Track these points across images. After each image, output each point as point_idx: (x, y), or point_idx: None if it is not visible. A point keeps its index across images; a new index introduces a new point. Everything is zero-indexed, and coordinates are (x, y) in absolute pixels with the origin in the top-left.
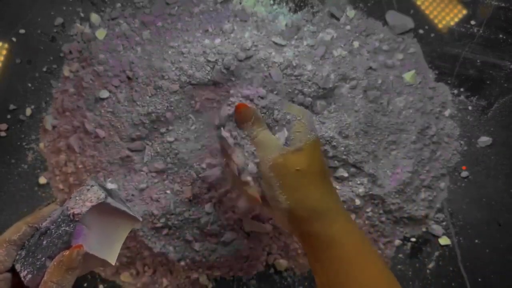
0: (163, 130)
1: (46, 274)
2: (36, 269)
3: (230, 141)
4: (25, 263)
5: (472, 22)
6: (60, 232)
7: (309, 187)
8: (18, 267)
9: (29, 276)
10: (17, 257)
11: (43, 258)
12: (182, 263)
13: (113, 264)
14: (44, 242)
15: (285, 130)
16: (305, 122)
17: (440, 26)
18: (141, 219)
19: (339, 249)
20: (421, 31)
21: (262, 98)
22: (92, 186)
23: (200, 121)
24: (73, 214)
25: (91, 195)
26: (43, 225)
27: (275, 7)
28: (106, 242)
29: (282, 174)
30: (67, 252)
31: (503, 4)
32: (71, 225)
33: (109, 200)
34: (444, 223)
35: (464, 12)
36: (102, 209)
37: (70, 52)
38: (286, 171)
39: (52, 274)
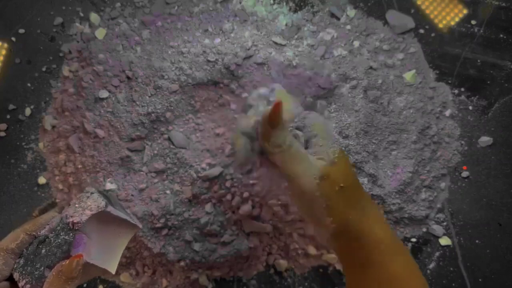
0: (163, 130)
1: (45, 284)
2: (35, 279)
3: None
4: (24, 272)
5: (473, 22)
6: (59, 241)
7: (353, 206)
8: (16, 276)
9: (28, 286)
10: (15, 266)
11: (42, 268)
12: (182, 263)
13: (113, 272)
14: (43, 251)
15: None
16: (325, 132)
17: (440, 26)
18: (141, 226)
19: (386, 267)
20: (421, 31)
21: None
22: (92, 193)
23: (200, 121)
24: (73, 223)
25: (91, 203)
26: (42, 233)
27: (275, 6)
28: (106, 251)
29: (328, 192)
30: (66, 262)
31: (503, 4)
32: (71, 234)
33: (110, 208)
34: (444, 223)
35: (465, 12)
36: (102, 217)
37: (70, 52)
38: (331, 190)
39: (51, 284)
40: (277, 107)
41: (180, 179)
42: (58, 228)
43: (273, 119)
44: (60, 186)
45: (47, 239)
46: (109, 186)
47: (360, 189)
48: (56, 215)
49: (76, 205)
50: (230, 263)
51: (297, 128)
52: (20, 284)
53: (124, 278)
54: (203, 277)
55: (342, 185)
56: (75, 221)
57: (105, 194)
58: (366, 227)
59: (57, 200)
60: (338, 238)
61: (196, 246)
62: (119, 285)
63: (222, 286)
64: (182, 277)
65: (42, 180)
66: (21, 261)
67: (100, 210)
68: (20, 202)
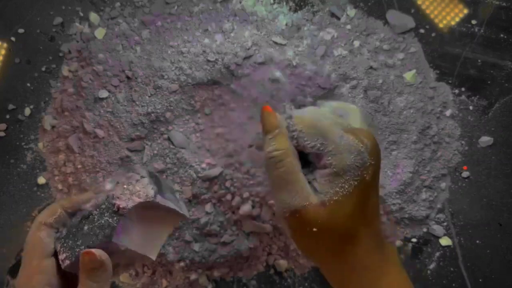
0: (162, 130)
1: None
2: (75, 256)
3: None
4: (65, 244)
5: (473, 22)
6: (103, 222)
7: (325, 254)
8: (57, 246)
9: (67, 262)
10: (58, 235)
11: (83, 246)
12: (182, 263)
13: (154, 259)
14: (86, 228)
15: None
16: (342, 164)
17: (441, 25)
18: (188, 216)
19: None
20: (422, 31)
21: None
22: (142, 177)
23: (200, 121)
24: (118, 207)
25: (140, 189)
26: (87, 207)
27: (275, 6)
28: (149, 238)
29: (295, 229)
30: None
31: (504, 4)
32: (115, 218)
33: (158, 198)
34: (445, 224)
35: (465, 11)
36: (149, 205)
37: (69, 52)
38: (301, 228)
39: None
40: (265, 109)
41: (180, 179)
42: (103, 206)
43: (263, 124)
44: (60, 186)
45: (90, 216)
46: (109, 186)
47: (346, 243)
48: (94, 196)
49: (124, 186)
50: (230, 263)
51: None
52: (60, 257)
53: (123, 278)
54: (203, 277)
55: (315, 229)
56: (121, 205)
57: (156, 177)
58: (345, 273)
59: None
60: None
61: (196, 246)
62: (119, 285)
63: (222, 286)
64: (182, 277)
65: (41, 180)
66: (64, 232)
67: (147, 200)
68: (19, 202)
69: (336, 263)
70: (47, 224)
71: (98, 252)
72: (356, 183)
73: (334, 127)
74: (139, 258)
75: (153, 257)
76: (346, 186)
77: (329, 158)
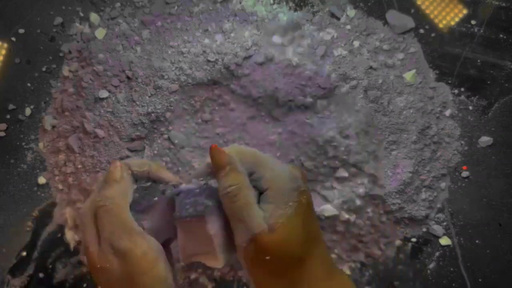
0: (163, 130)
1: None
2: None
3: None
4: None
5: (473, 22)
6: (198, 199)
7: (278, 281)
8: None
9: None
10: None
11: (177, 213)
12: (182, 263)
13: (220, 266)
14: (180, 197)
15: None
16: (279, 189)
17: (440, 25)
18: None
19: None
20: (421, 31)
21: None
22: None
23: (200, 121)
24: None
25: None
26: (169, 181)
27: (275, 6)
28: (228, 242)
29: (252, 259)
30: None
31: (503, 4)
32: (214, 201)
33: None
34: (444, 224)
35: (465, 11)
36: None
37: (70, 52)
38: (257, 257)
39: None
40: (212, 150)
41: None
42: (204, 187)
43: (213, 164)
44: (60, 186)
45: (189, 190)
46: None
47: (294, 265)
48: (178, 180)
49: None
50: (230, 263)
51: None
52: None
53: None
54: (203, 277)
55: (268, 257)
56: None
57: None
58: None
59: (57, 201)
60: None
61: None
62: None
63: (222, 286)
64: (182, 277)
65: (42, 180)
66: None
67: None
68: (20, 202)
69: (283, 286)
70: (131, 168)
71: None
72: (296, 205)
73: (269, 157)
74: (207, 254)
75: (221, 263)
76: (287, 209)
77: (268, 183)
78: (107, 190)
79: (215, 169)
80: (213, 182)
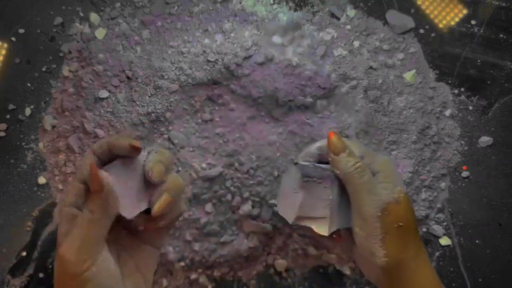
0: (163, 130)
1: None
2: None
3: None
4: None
5: (473, 22)
6: (319, 170)
7: (408, 247)
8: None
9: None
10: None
11: (306, 174)
12: (182, 263)
13: (326, 232)
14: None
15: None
16: (391, 171)
17: (440, 25)
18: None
19: None
20: (421, 31)
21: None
22: None
23: (200, 121)
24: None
25: None
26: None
27: (275, 6)
28: (338, 211)
29: (387, 227)
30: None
31: (503, 4)
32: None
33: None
34: (444, 223)
35: (465, 11)
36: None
37: (70, 52)
38: (391, 225)
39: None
40: (331, 136)
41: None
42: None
43: (332, 149)
44: (60, 186)
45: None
46: None
47: (416, 234)
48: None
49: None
50: (230, 263)
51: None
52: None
53: None
54: (203, 277)
55: (401, 224)
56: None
57: None
58: (417, 269)
59: (57, 200)
60: (387, 274)
61: (196, 246)
62: None
63: (222, 286)
64: (182, 277)
65: (42, 180)
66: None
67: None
68: (20, 202)
69: (411, 254)
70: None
71: None
72: (401, 180)
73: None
74: (319, 218)
75: (327, 231)
76: (402, 188)
77: (380, 166)
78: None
79: (335, 151)
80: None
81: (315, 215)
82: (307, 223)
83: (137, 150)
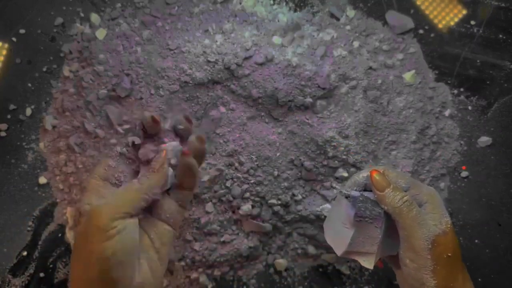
0: None
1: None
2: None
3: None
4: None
5: (472, 22)
6: (369, 206)
7: (457, 276)
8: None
9: None
10: None
11: (357, 214)
12: (182, 263)
13: (371, 266)
14: (350, 199)
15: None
16: (438, 202)
17: (440, 26)
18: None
19: None
20: (421, 31)
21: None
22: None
23: (199, 121)
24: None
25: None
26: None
27: (275, 7)
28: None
29: (437, 258)
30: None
31: (503, 4)
32: (379, 211)
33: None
34: None
35: (464, 12)
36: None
37: (70, 52)
38: (441, 256)
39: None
40: (374, 173)
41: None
42: (361, 193)
43: (377, 186)
44: (61, 186)
45: (354, 196)
46: None
47: (461, 262)
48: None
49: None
50: (230, 263)
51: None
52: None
53: None
54: (203, 276)
55: (449, 254)
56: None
57: None
58: None
59: (57, 200)
60: None
61: (196, 246)
62: None
63: (222, 285)
64: (182, 276)
65: (42, 180)
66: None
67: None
68: (20, 202)
69: (460, 281)
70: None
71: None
72: (446, 211)
73: (414, 178)
74: (366, 253)
75: (372, 264)
76: (449, 217)
77: (427, 197)
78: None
79: (380, 187)
80: (369, 194)
81: (363, 250)
82: (354, 257)
83: (156, 123)
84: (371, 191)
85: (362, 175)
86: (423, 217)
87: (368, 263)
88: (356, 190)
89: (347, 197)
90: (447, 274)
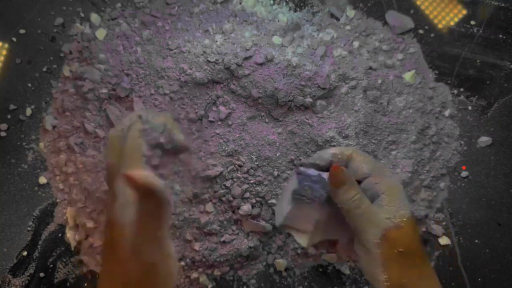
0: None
1: None
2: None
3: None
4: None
5: (472, 22)
6: (315, 187)
7: (411, 272)
8: None
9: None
10: None
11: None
12: (182, 263)
13: (305, 244)
14: (301, 176)
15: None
16: (397, 194)
17: (440, 26)
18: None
19: None
20: (421, 31)
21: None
22: None
23: (199, 121)
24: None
25: None
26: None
27: (275, 7)
28: (320, 228)
29: (387, 253)
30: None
31: (502, 4)
32: (325, 193)
33: None
34: (444, 223)
35: (464, 12)
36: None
37: (70, 52)
38: (390, 252)
39: None
40: (334, 170)
41: (180, 179)
42: (318, 174)
43: (333, 182)
44: (61, 186)
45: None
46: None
47: (420, 256)
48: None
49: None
50: (230, 263)
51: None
52: None
53: None
54: (203, 276)
55: (401, 249)
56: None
57: None
58: None
59: (57, 200)
60: None
61: (197, 246)
62: None
63: (222, 285)
64: (182, 276)
65: (42, 180)
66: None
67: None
68: (20, 202)
69: (414, 277)
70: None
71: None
72: (409, 207)
73: (382, 166)
74: (301, 231)
75: (306, 243)
76: (407, 210)
77: (385, 188)
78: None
79: (336, 184)
80: (325, 175)
81: (298, 227)
82: (291, 231)
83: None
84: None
85: (331, 152)
86: (373, 212)
87: (302, 240)
88: (316, 165)
89: (299, 173)
90: (398, 269)
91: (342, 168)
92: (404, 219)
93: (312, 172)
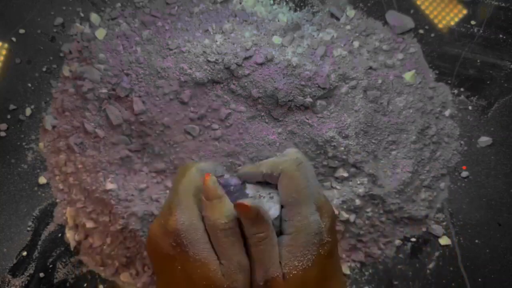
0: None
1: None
2: None
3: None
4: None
5: (472, 22)
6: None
7: None
8: None
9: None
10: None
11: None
12: None
13: None
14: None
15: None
16: (302, 239)
17: (440, 26)
18: None
19: None
20: (421, 31)
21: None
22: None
23: (199, 121)
24: None
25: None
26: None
27: (275, 6)
28: None
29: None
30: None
31: (503, 4)
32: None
33: None
34: (444, 223)
35: (464, 12)
36: None
37: (70, 52)
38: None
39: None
40: (238, 208)
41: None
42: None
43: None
44: (61, 186)
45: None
46: (109, 186)
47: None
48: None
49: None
50: None
51: None
52: None
53: (124, 278)
54: None
55: None
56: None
57: None
58: None
59: (57, 200)
60: None
61: None
62: (119, 285)
63: None
64: None
65: (42, 180)
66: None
67: None
68: (20, 202)
69: None
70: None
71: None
72: (313, 258)
73: (311, 199)
74: None
75: None
76: (304, 262)
77: (293, 229)
78: (211, 210)
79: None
80: (249, 186)
81: None
82: None
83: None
84: (268, 183)
85: (261, 170)
86: (268, 255)
87: None
88: (243, 178)
89: (218, 176)
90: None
91: (247, 205)
92: (294, 272)
93: (235, 181)
